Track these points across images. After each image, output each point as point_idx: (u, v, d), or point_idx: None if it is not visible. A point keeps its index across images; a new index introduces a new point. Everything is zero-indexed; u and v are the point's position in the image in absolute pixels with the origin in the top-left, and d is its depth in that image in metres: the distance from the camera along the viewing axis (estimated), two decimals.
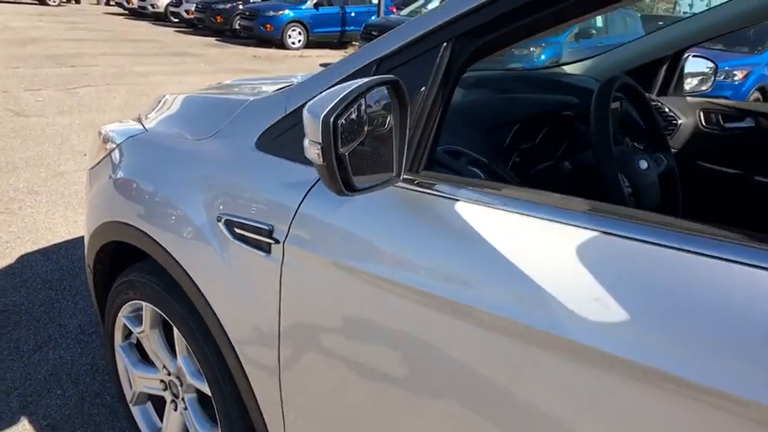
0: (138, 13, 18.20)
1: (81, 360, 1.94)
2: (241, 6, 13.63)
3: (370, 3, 13.08)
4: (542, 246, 0.70)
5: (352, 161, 0.72)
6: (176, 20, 16.28)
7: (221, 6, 14.04)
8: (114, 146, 1.40)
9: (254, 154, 1.05)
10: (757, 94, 6.61)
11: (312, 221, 0.91)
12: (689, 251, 0.61)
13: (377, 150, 0.77)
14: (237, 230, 1.02)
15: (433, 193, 0.81)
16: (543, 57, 7.92)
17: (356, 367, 0.90)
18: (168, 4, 16.61)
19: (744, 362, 0.54)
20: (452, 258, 0.76)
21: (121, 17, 18.23)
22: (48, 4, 20.45)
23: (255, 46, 12.31)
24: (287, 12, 12.30)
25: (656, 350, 0.58)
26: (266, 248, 0.97)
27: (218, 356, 1.14)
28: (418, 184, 0.83)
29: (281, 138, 1.00)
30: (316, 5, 12.61)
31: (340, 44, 13.08)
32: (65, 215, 3.08)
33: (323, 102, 0.67)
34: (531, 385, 0.68)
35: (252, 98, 1.18)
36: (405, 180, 0.82)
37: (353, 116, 0.69)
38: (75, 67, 7.90)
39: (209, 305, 1.10)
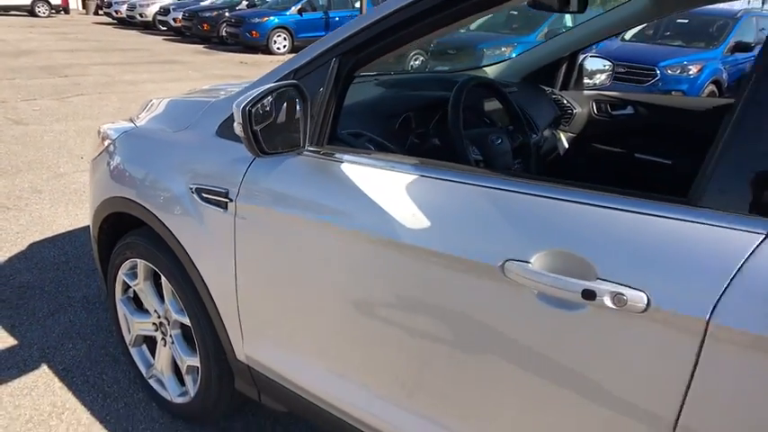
0: (126, 23, 18.52)
1: (87, 322, 2.33)
2: (227, 14, 14.01)
3: (353, 7, 13.48)
4: (392, 186, 1.10)
5: (276, 137, 1.12)
6: (164, 28, 16.61)
7: (208, 14, 14.41)
8: (111, 140, 1.79)
9: (214, 139, 1.44)
10: (712, 87, 7.05)
11: (254, 183, 1.31)
12: (472, 184, 1.01)
13: (290, 130, 1.17)
14: (204, 195, 1.41)
15: (331, 159, 1.21)
16: (514, 55, 8.34)
17: (286, 284, 1.30)
18: (156, 13, 16.94)
19: (483, 242, 0.95)
20: (340, 200, 1.16)
21: (110, 27, 18.55)
22: (38, 16, 20.75)
23: (242, 52, 12.68)
24: (272, 18, 12.69)
25: (437, 239, 0.99)
26: (224, 206, 1.37)
27: (194, 293, 1.54)
28: (322, 154, 1.23)
29: (233, 127, 1.40)
30: (300, 11, 13.00)
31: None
32: (66, 210, 3.46)
33: (245, 98, 1.07)
34: (381, 271, 1.09)
35: (215, 99, 1.57)
36: (311, 151, 1.22)
37: (266, 107, 1.09)
38: (67, 77, 8.25)
39: (188, 254, 1.50)
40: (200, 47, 13.69)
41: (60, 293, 2.53)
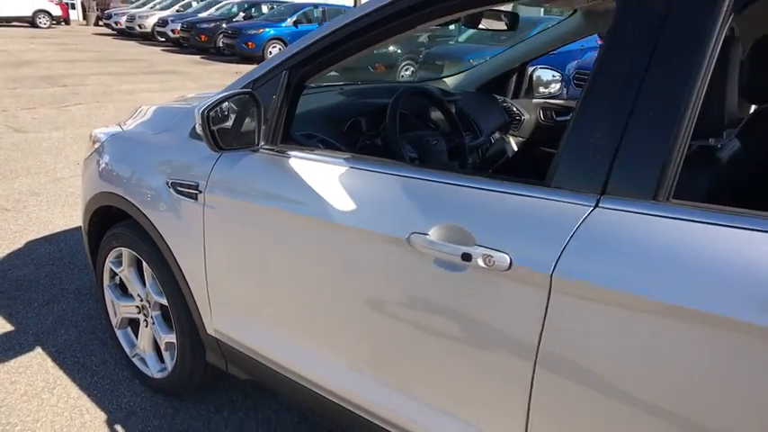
0: (126, 33, 18.86)
1: (79, 311, 2.53)
2: (224, 25, 14.32)
3: None
4: (330, 177, 1.31)
5: (233, 136, 1.35)
6: (163, 39, 16.94)
7: (205, 26, 14.73)
8: (100, 142, 2.01)
9: (188, 141, 1.66)
10: None
11: (219, 177, 1.52)
12: (390, 174, 1.22)
13: (246, 131, 1.39)
14: (178, 188, 1.63)
15: (282, 155, 1.42)
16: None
17: (247, 264, 1.50)
18: (155, 25, 17.27)
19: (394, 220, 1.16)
20: (289, 189, 1.38)
21: (110, 37, 18.87)
22: (39, 27, 21.07)
23: (238, 63, 12.97)
24: (268, 30, 13.00)
25: (361, 219, 1.20)
26: (195, 197, 1.58)
27: (170, 276, 1.75)
28: (275, 151, 1.44)
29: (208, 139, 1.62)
30: (295, 23, 13.32)
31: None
32: (62, 212, 3.67)
33: (205, 103, 1.29)
34: (321, 248, 1.30)
35: (192, 106, 1.79)
36: (266, 149, 1.44)
37: (224, 111, 1.31)
38: (66, 87, 8.50)
39: (165, 241, 1.71)
40: (198, 57, 13.99)
41: (54, 286, 2.74)
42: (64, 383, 2.06)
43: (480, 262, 1.03)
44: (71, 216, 3.60)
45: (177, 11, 18.54)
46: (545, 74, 2.63)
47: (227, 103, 1.32)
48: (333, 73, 1.52)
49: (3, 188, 4.02)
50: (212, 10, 17.08)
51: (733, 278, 0.80)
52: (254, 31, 12.99)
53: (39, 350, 2.25)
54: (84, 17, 27.12)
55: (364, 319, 1.26)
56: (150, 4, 20.12)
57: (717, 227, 0.84)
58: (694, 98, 0.89)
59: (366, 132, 1.79)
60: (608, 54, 0.97)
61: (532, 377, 1.02)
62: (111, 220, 2.02)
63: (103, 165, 1.94)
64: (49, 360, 2.19)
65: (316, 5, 14.00)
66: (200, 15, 16.55)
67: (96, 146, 2.04)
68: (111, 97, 7.91)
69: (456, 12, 1.24)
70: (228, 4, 17.44)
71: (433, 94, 1.95)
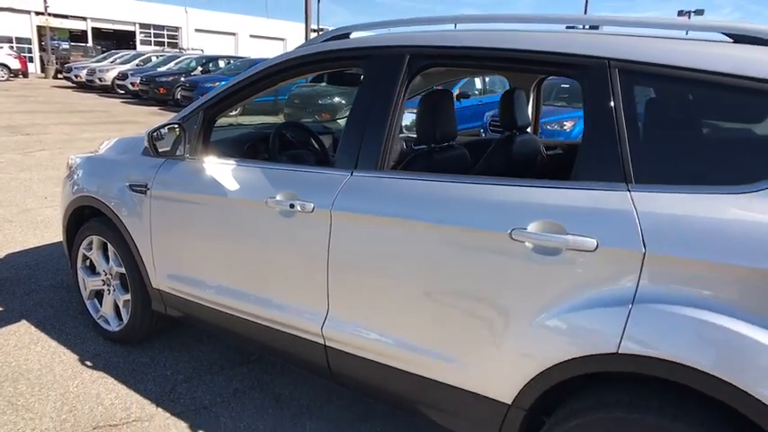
0: (85, 86, 19.58)
1: (54, 298, 3.27)
2: (182, 79, 15.29)
3: None
4: (228, 173, 2.20)
5: (167, 149, 2.24)
6: (122, 92, 17.74)
7: (164, 79, 15.65)
8: (77, 163, 2.85)
9: (141, 157, 2.52)
10: None
11: (160, 178, 2.38)
12: (261, 168, 2.12)
13: (176, 146, 2.27)
14: (134, 188, 2.47)
15: (201, 162, 2.30)
16: None
17: (178, 236, 2.35)
18: (115, 78, 18.10)
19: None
20: (202, 181, 2.25)
21: (69, 90, 19.54)
22: None
23: None
24: (223, 83, 13.95)
25: (243, 194, 2.10)
26: (144, 192, 2.43)
27: (128, 251, 2.57)
28: (195, 159, 2.32)
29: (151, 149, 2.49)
30: None
31: (274, 111, 14.82)
32: (35, 233, 4.39)
33: (152, 129, 2.18)
34: (223, 218, 2.17)
35: (141, 136, 2.66)
36: (189, 158, 2.32)
37: (162, 134, 2.20)
38: (29, 135, 9.18)
39: (125, 225, 2.54)
40: (156, 108, 14.83)
41: (33, 283, 3.47)
42: (45, 339, 2.80)
43: (299, 207, 1.92)
44: (42, 236, 4.32)
45: (137, 65, 19.44)
46: (408, 117, 3.62)
47: (164, 129, 2.21)
48: (241, 116, 2.46)
49: None
50: (171, 64, 18.06)
51: (417, 198, 1.71)
52: (210, 84, 13.96)
53: (24, 321, 2.98)
54: (43, 70, 27.66)
55: (248, 258, 2.12)
56: (111, 59, 20.99)
57: (404, 180, 1.76)
58: (389, 122, 1.83)
59: (262, 152, 2.71)
60: (356, 99, 1.92)
61: (327, 273, 1.89)
62: (83, 221, 2.83)
63: (80, 176, 2.77)
64: (32, 327, 2.92)
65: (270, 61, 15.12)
66: (160, 70, 17.48)
67: (73, 166, 2.87)
68: (73, 144, 8.63)
69: (300, 74, 2.19)
70: (187, 59, 18.49)
71: (305, 127, 2.91)
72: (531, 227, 1.50)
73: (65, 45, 28.59)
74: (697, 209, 1.32)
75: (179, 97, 14.78)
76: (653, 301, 1.33)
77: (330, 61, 2.07)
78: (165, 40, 39.42)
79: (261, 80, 2.23)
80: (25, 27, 33.94)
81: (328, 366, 2.00)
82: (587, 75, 1.54)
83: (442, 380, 1.71)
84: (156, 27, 39.58)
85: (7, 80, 22.20)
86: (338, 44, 2.06)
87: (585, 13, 22.90)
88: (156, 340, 2.85)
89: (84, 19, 35.93)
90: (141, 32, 39.12)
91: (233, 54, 34.10)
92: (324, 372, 2.04)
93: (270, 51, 35.76)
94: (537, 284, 1.49)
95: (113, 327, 2.78)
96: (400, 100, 1.86)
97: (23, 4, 32.86)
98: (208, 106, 2.32)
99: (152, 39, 39.44)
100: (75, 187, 2.79)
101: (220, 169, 2.22)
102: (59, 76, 24.97)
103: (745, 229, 1.26)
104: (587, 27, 1.78)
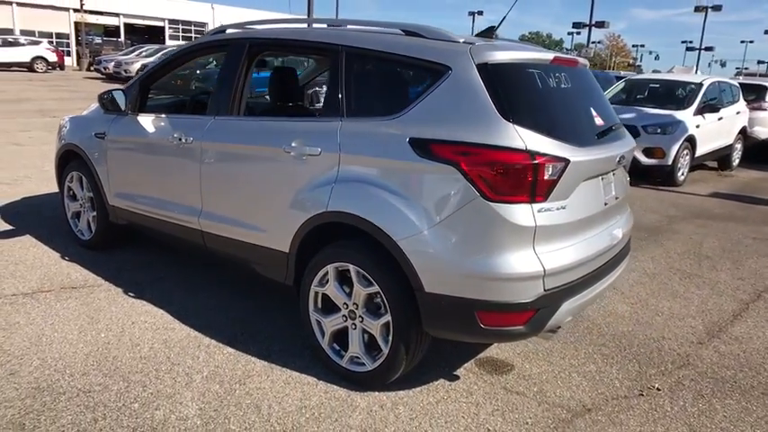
0: (113, 77, 21.21)
1: (51, 222, 4.47)
2: (198, 72, 16.62)
3: None
4: (153, 122, 3.31)
5: (114, 107, 3.38)
6: None
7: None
8: (64, 122, 4.03)
9: (104, 114, 3.66)
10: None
11: (113, 128, 3.52)
12: (178, 118, 3.23)
13: (119, 106, 3.41)
14: (97, 135, 3.62)
15: (137, 115, 3.41)
16: None
17: (125, 166, 3.48)
18: (138, 70, 19.62)
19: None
20: (137, 129, 3.37)
21: (99, 80, 21.19)
22: (36, 71, 23.40)
23: None
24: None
25: (160, 133, 3.23)
26: (103, 138, 3.58)
27: (94, 180, 3.72)
28: (133, 114, 3.44)
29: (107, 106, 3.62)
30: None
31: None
32: (46, 186, 5.61)
33: (103, 92, 3.33)
34: (147, 152, 3.30)
35: None
36: (130, 113, 3.44)
37: (111, 96, 3.35)
38: (55, 117, 10.54)
39: (92, 162, 3.69)
40: None
41: (37, 213, 4.69)
42: (40, 245, 3.99)
43: (182, 139, 3.03)
44: (50, 187, 5.54)
45: (160, 58, 20.93)
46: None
47: (110, 94, 3.35)
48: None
49: (8, 174, 5.99)
50: None
51: (245, 131, 2.80)
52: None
53: (27, 235, 4.18)
54: (78, 63, 29.60)
55: (158, 177, 3.22)
56: (136, 53, 22.60)
57: (241, 121, 2.85)
58: (236, 85, 2.91)
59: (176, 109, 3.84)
60: (220, 71, 3.01)
61: (200, 182, 2.98)
62: (68, 163, 4.01)
63: (66, 131, 3.94)
64: (33, 239, 4.12)
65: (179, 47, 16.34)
66: None
67: (62, 125, 4.06)
68: None
69: (197, 57, 3.29)
70: None
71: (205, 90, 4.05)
72: (293, 144, 2.56)
73: (97, 40, 30.52)
74: (366, 128, 2.37)
75: (193, 88, 16.10)
76: (342, 181, 2.39)
77: (211, 48, 3.17)
78: (193, 35, 41.27)
79: (174, 61, 3.34)
80: (64, 23, 36.23)
81: (204, 245, 3.10)
82: (329, 55, 2.59)
83: (260, 243, 2.78)
84: (183, 23, 41.52)
85: (45, 72, 24.06)
86: (216, 36, 3.16)
87: None
88: (117, 249, 4.00)
89: (118, 15, 38.06)
90: (170, 28, 41.11)
91: None
92: (203, 249, 3.14)
93: None
94: (296, 176, 2.56)
95: (86, 237, 3.96)
96: (244, 71, 2.93)
97: (62, 1, 35.07)
98: (143, 79, 3.45)
99: (180, 34, 41.38)
100: (63, 140, 3.96)
101: (146, 120, 3.33)
102: (91, 68, 26.79)
103: (390, 139, 2.29)
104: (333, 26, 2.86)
